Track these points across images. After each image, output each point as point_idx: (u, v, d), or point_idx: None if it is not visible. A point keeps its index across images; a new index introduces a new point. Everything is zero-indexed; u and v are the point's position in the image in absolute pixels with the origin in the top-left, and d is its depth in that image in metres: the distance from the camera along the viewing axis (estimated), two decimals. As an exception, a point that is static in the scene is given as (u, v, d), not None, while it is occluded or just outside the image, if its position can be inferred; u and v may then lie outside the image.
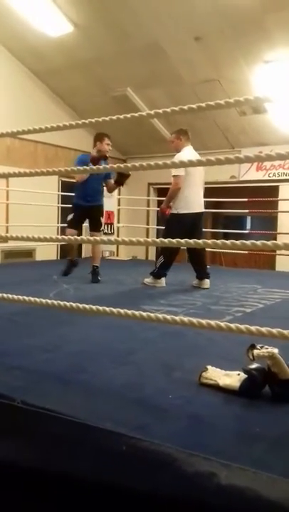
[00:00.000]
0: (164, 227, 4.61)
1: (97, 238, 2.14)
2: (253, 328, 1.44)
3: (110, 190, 4.99)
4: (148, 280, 4.45)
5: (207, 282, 4.51)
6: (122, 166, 1.86)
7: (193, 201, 4.38)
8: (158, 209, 4.95)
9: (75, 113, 8.40)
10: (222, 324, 1.51)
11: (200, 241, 1.56)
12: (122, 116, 1.66)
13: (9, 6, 6.20)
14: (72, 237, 2.42)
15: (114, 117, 1.70)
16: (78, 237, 2.27)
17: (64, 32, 6.49)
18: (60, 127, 1.85)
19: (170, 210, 4.41)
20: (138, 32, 6.34)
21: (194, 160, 1.88)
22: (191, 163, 1.54)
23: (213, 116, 7.32)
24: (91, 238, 2.19)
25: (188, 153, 4.32)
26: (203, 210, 4.57)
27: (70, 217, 4.96)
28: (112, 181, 4.71)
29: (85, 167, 3.80)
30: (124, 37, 6.47)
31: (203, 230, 4.87)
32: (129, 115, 1.64)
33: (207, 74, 6.75)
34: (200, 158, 4.25)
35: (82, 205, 4.71)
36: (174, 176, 4.27)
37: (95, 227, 4.85)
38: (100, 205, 4.85)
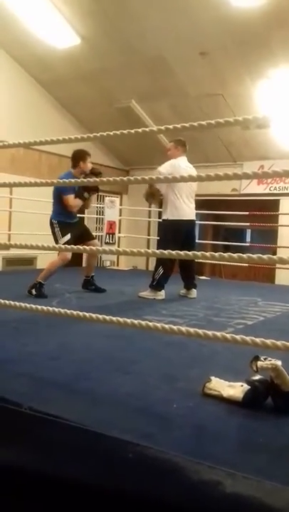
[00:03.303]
0: (159, 236, 4.64)
1: (100, 248, 2.17)
2: (258, 340, 1.47)
3: (87, 206, 4.85)
4: (146, 293, 4.38)
5: (194, 292, 4.60)
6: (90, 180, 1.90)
7: (184, 211, 4.44)
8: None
9: (80, 123, 8.49)
10: (228, 336, 1.54)
11: (207, 253, 1.59)
12: (133, 131, 1.71)
13: (17, 17, 6.31)
14: (75, 247, 2.48)
15: (125, 131, 1.75)
16: (85, 247, 2.31)
17: (71, 44, 6.60)
18: (72, 140, 1.90)
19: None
20: (143, 45, 6.45)
21: (188, 172, 1.92)
22: (200, 178, 1.58)
23: (215, 129, 7.40)
24: (95, 248, 2.22)
25: (180, 163, 4.38)
26: (194, 218, 4.64)
27: (65, 239, 4.33)
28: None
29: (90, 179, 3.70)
30: (130, 50, 6.57)
31: (204, 241, 4.92)
32: (140, 130, 1.68)
33: (211, 88, 6.85)
34: (193, 170, 4.37)
35: (72, 222, 4.47)
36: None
37: (91, 235, 4.66)
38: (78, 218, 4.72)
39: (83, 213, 7.33)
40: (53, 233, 4.42)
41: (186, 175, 3.76)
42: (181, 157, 4.48)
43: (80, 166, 4.39)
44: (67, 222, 4.40)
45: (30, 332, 2.90)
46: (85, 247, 4.02)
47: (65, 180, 4.10)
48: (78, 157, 4.41)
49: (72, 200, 4.28)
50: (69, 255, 4.24)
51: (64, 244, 4.19)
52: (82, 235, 4.49)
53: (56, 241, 4.39)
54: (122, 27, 6.23)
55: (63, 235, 4.33)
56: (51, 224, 4.44)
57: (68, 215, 4.42)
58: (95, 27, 6.35)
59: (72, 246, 2.08)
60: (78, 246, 2.08)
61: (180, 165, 4.31)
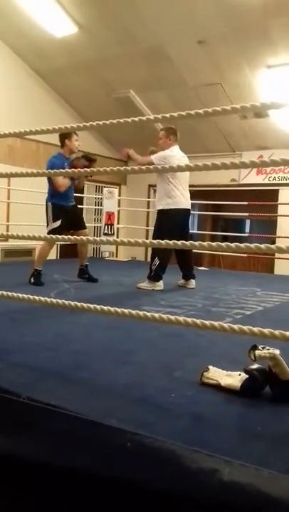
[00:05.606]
0: (154, 226, 4.61)
1: (90, 238, 2.17)
2: (255, 329, 1.47)
3: (80, 186, 4.83)
4: (144, 284, 4.37)
5: (193, 283, 4.62)
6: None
7: (180, 200, 4.42)
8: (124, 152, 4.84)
9: (77, 113, 8.43)
10: (225, 325, 1.54)
11: (205, 243, 1.58)
12: (129, 120, 1.69)
13: (14, 4, 6.23)
14: (72, 237, 2.47)
15: (121, 120, 1.73)
16: (79, 238, 2.28)
17: (68, 32, 6.53)
18: (68, 129, 1.88)
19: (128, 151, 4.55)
20: (142, 34, 6.38)
21: (182, 162, 1.90)
22: (197, 167, 1.57)
23: (214, 119, 7.36)
24: (91, 238, 2.21)
25: (173, 153, 4.37)
26: (190, 207, 4.63)
27: (54, 225, 4.35)
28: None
29: (81, 170, 3.71)
30: (128, 39, 6.51)
31: (203, 232, 4.90)
32: (136, 119, 1.67)
33: (210, 77, 6.79)
34: (186, 159, 4.34)
35: (65, 206, 4.47)
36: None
37: (83, 225, 4.67)
38: (76, 204, 4.77)
39: (82, 204, 7.34)
40: (46, 215, 4.47)
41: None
42: (174, 146, 4.45)
43: (67, 144, 4.42)
44: (61, 205, 4.41)
45: (28, 323, 2.90)
46: (75, 237, 4.00)
47: (62, 170, 4.10)
48: (64, 136, 4.42)
49: (61, 180, 4.28)
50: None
51: (52, 229, 4.31)
52: (74, 223, 4.52)
53: (47, 223, 4.44)
54: (119, 15, 6.16)
55: (54, 220, 4.38)
56: (46, 206, 4.47)
57: (63, 197, 4.42)
58: (93, 15, 6.28)
59: (64, 236, 2.10)
60: (69, 236, 2.10)
61: (174, 156, 4.28)
